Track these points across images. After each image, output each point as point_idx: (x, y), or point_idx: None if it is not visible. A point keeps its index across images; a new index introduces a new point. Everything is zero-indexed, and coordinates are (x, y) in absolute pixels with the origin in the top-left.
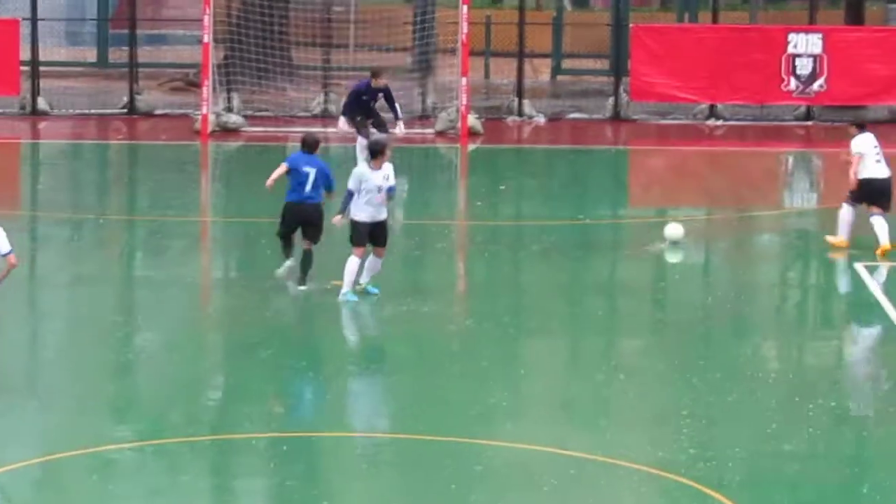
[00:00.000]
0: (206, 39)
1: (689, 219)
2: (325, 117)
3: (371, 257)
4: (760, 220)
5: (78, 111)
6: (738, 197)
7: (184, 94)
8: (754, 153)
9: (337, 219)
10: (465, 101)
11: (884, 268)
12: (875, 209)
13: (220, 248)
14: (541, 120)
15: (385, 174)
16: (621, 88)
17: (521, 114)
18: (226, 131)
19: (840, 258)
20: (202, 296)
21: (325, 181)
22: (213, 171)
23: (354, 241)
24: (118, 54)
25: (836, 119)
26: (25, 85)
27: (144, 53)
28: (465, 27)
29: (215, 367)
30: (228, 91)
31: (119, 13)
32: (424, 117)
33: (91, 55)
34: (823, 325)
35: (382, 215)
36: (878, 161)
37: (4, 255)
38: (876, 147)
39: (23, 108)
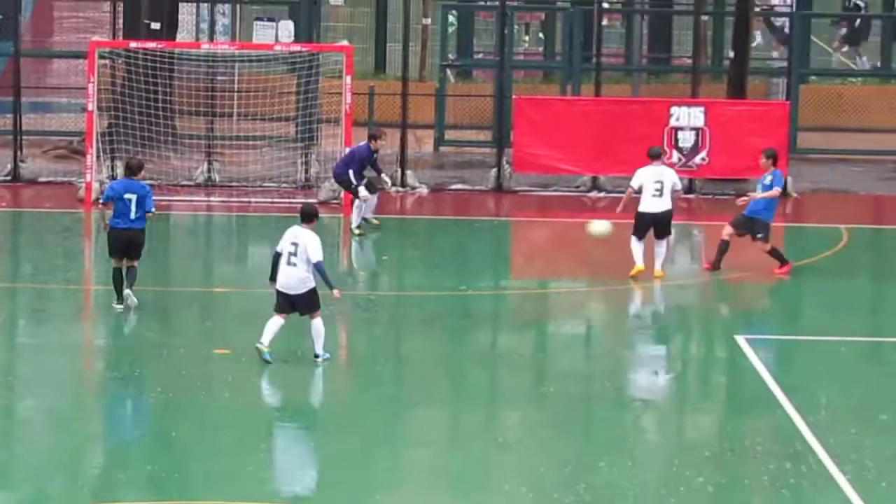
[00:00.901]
0: (90, 107)
1: (569, 290)
2: (209, 186)
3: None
4: (641, 292)
5: None
6: (620, 268)
7: (68, 162)
8: None
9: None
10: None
11: (762, 341)
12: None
13: (103, 315)
14: (424, 191)
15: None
16: (504, 160)
17: (403, 184)
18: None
19: (720, 330)
20: (84, 362)
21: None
22: (96, 238)
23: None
24: (2, 121)
25: (717, 192)
26: None
27: (28, 121)
28: (348, 97)
29: (96, 433)
30: (112, 159)
31: (3, 80)
32: (307, 187)
33: None
34: (703, 398)
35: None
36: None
37: None
38: (658, 182)
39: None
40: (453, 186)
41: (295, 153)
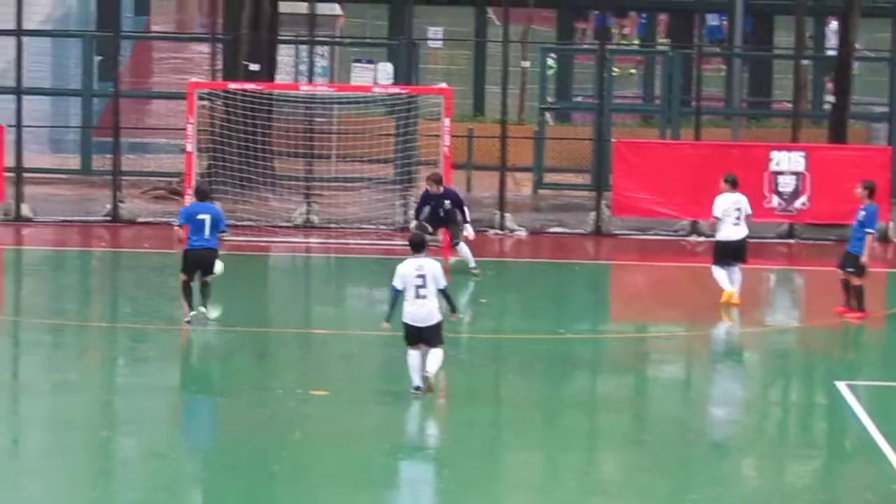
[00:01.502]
0: (189, 148)
1: (669, 335)
2: (307, 227)
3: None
4: (741, 337)
5: (61, 218)
6: (719, 313)
7: (166, 203)
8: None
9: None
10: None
11: (863, 387)
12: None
13: (202, 356)
14: (522, 233)
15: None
16: (603, 203)
17: (502, 227)
18: None
19: (820, 375)
20: (181, 402)
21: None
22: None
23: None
24: (102, 162)
25: (818, 237)
26: (9, 191)
27: (128, 161)
28: (446, 139)
29: (193, 474)
30: (211, 200)
31: (103, 121)
32: (405, 229)
33: (75, 162)
34: (803, 445)
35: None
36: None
37: None
38: (737, 209)
39: (6, 214)
40: (552, 229)
41: (393, 195)
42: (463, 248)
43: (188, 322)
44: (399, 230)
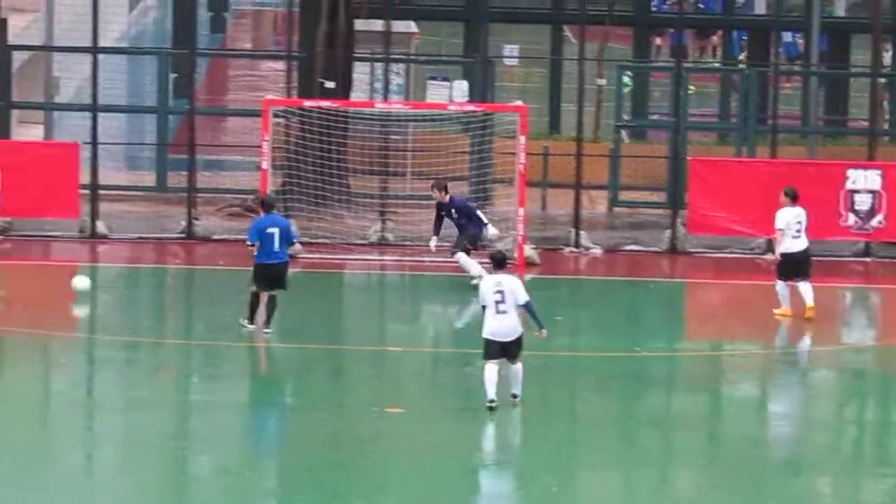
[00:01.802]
0: (264, 166)
1: (745, 353)
2: (382, 245)
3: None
4: (816, 356)
5: (136, 235)
6: (795, 332)
7: (241, 220)
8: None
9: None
10: (521, 232)
11: None
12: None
13: (276, 374)
14: (597, 251)
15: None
16: (678, 221)
17: (577, 245)
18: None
19: None
20: (255, 420)
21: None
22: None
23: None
24: (177, 179)
25: (894, 255)
26: (85, 208)
27: (203, 179)
28: (522, 157)
29: (267, 491)
30: (286, 217)
31: (178, 138)
32: (481, 247)
33: (150, 179)
34: (879, 463)
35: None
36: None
37: None
38: (798, 222)
39: (82, 231)
40: (627, 247)
41: None
42: (462, 258)
43: (243, 326)
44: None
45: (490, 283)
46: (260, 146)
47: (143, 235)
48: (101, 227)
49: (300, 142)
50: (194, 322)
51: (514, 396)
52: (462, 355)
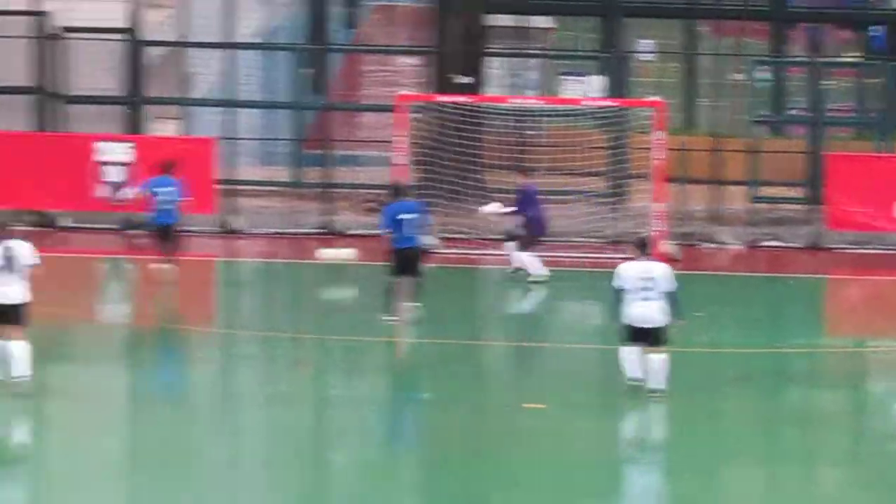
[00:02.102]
0: (398, 161)
1: (888, 349)
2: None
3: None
4: None
5: (272, 230)
6: None
7: (376, 216)
8: None
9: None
10: (659, 227)
11: None
12: None
13: (415, 368)
14: (737, 247)
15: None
16: (818, 217)
17: (716, 241)
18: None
19: None
20: (394, 415)
21: None
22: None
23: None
24: (312, 174)
25: None
26: (222, 203)
27: (338, 174)
28: (659, 153)
29: (408, 486)
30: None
31: (313, 134)
32: (616, 242)
33: (285, 174)
34: None
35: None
36: None
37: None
38: None
39: (221, 225)
40: (767, 243)
41: (604, 208)
42: (524, 256)
43: (386, 320)
44: (611, 243)
45: (637, 269)
46: (394, 141)
47: (280, 230)
48: (237, 222)
49: (435, 137)
50: (332, 317)
51: (653, 392)
52: (600, 351)
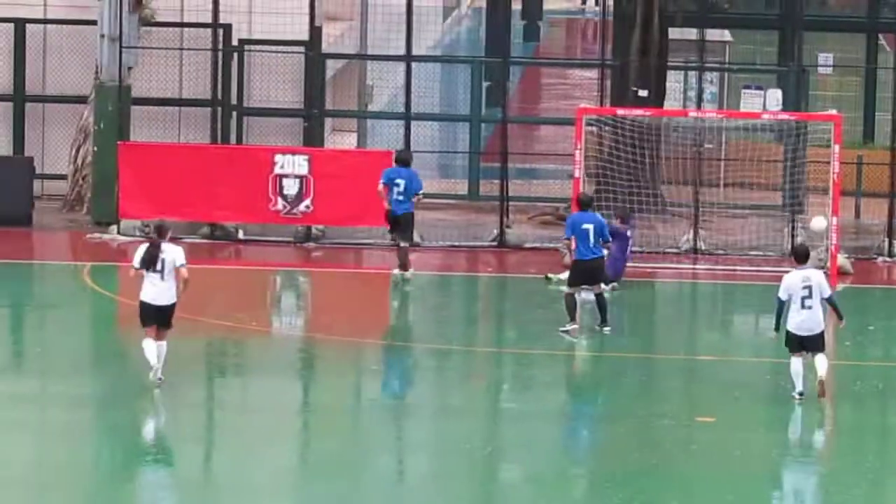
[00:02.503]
0: (576, 174)
1: None
2: (694, 254)
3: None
4: None
5: (448, 243)
6: None
7: (553, 229)
8: None
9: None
10: (835, 241)
11: None
12: None
13: (587, 382)
14: None
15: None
16: None
17: (891, 254)
18: None
19: None
20: (565, 428)
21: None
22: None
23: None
24: (488, 187)
25: None
26: None
27: (515, 187)
28: (836, 166)
29: (579, 500)
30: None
31: (490, 147)
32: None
33: (462, 187)
34: None
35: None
36: None
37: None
38: None
39: (394, 239)
40: None
41: (781, 222)
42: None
43: (564, 332)
44: (787, 258)
45: (797, 278)
46: (573, 154)
47: (455, 243)
48: (414, 235)
49: (612, 150)
50: (506, 330)
51: (820, 379)
52: (772, 364)
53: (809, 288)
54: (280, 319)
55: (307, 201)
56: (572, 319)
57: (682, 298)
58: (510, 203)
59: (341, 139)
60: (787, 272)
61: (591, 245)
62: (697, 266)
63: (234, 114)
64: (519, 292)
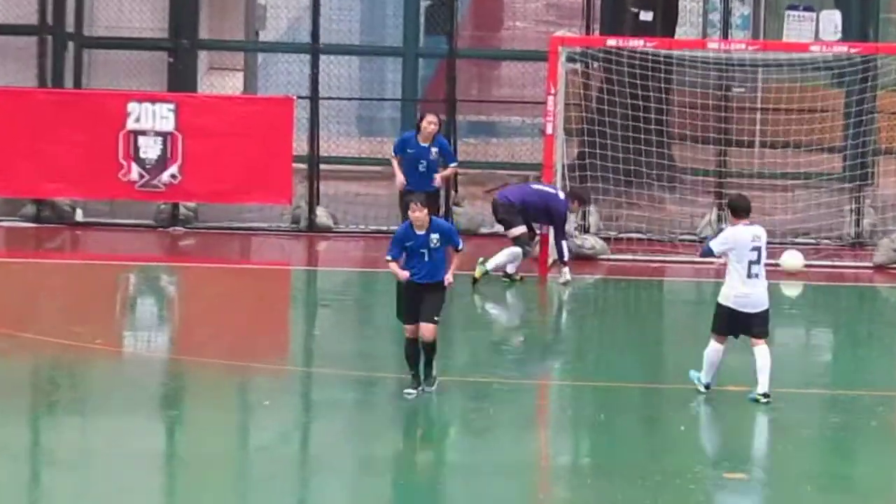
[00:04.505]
0: (549, 130)
1: None
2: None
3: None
4: None
5: (371, 227)
6: None
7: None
8: None
9: None
10: None
11: None
12: None
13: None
14: None
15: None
16: None
17: None
18: (579, 258)
19: None
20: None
21: None
22: (552, 312)
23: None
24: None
25: None
26: (300, 190)
27: (466, 148)
28: None
29: None
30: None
31: (431, 92)
32: (858, 244)
33: (391, 149)
34: None
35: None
36: None
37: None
38: None
39: (295, 221)
40: None
41: (841, 198)
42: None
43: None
44: (851, 246)
45: (746, 235)
46: (545, 102)
47: (381, 228)
48: (322, 216)
49: (603, 97)
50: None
51: (766, 396)
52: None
53: (759, 250)
54: (134, 336)
55: (173, 168)
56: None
57: (702, 306)
58: (459, 171)
59: (222, 81)
60: (849, 268)
61: None
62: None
63: (71, 45)
64: (471, 298)
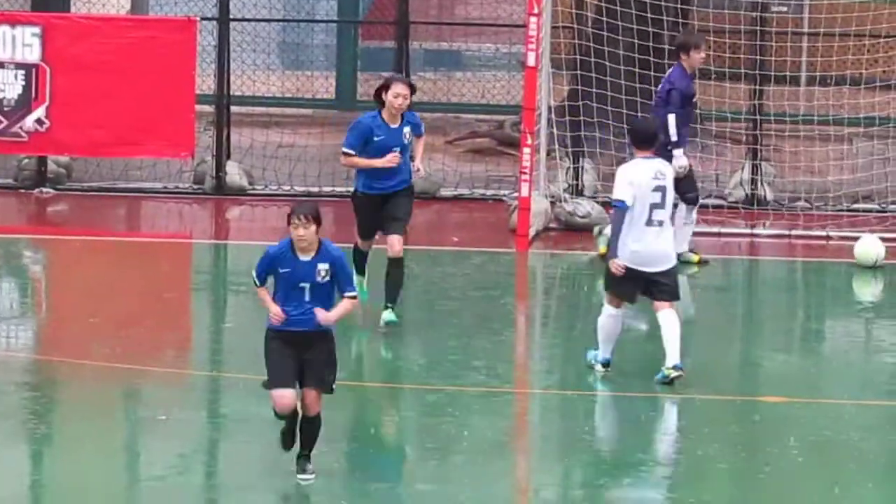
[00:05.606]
0: (531, 61)
1: None
2: (754, 209)
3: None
4: None
5: (302, 188)
6: None
7: (492, 161)
8: None
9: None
10: None
11: None
12: None
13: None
14: None
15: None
16: None
17: None
18: (569, 230)
19: None
20: None
21: None
22: (535, 295)
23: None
24: (374, 86)
25: None
26: (206, 140)
27: (424, 85)
28: None
29: None
30: (575, 157)
31: (377, 12)
32: None
33: (327, 87)
34: None
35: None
36: None
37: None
38: None
39: (198, 182)
40: None
41: None
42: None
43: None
44: None
45: (647, 170)
46: (525, 26)
47: (310, 189)
48: (234, 173)
49: (602, 19)
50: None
51: (678, 369)
52: None
53: (662, 191)
54: None
55: (39, 112)
56: None
57: (731, 289)
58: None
59: None
60: None
61: None
62: (760, 231)
63: None
64: (423, 283)
